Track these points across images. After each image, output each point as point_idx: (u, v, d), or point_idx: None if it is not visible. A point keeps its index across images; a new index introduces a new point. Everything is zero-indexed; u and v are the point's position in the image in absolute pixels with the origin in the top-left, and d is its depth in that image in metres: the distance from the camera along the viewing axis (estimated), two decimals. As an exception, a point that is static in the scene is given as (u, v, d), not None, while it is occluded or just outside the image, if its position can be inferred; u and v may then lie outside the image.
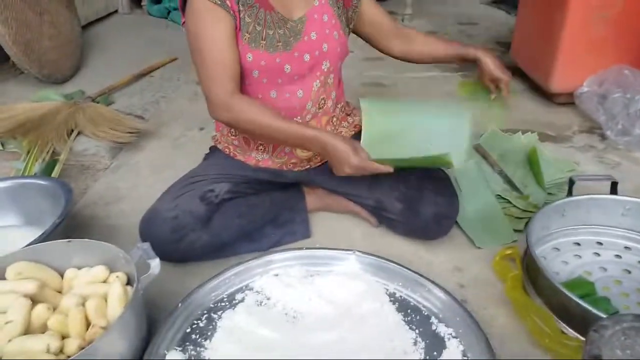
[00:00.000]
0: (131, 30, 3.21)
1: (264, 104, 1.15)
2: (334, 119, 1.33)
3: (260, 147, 1.29)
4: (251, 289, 1.13)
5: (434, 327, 1.03)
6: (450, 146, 1.12)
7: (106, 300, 0.96)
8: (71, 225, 1.30)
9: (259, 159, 1.30)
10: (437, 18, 3.35)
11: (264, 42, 1.14)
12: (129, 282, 1.00)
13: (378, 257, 1.17)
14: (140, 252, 1.01)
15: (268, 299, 1.10)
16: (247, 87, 1.20)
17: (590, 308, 0.93)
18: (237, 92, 1.12)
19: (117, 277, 0.99)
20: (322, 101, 1.26)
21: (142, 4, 3.54)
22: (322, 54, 1.20)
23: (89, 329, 0.91)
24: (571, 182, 1.25)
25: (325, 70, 1.23)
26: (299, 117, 1.23)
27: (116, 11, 3.50)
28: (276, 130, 1.10)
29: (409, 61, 1.38)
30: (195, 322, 1.04)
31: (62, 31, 2.44)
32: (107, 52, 2.79)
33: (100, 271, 1.01)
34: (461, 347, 0.97)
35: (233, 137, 1.31)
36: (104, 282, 1.01)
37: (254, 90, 1.20)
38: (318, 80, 1.23)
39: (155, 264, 0.99)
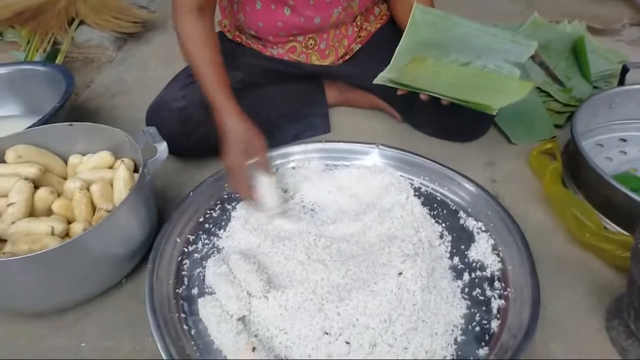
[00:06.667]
0: None
1: (215, 41, 0.97)
2: (358, 18, 1.17)
3: (272, 39, 1.14)
4: (267, 180, 1.06)
5: (462, 221, 0.96)
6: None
7: (112, 186, 0.90)
8: (75, 116, 1.22)
9: (272, 52, 1.17)
10: None
11: None
12: (136, 169, 0.94)
13: (402, 150, 1.08)
14: (147, 137, 0.93)
15: (285, 191, 1.03)
16: None
17: (641, 200, 0.84)
18: (195, 10, 0.94)
19: (122, 162, 0.92)
20: (342, 24, 1.12)
21: None
22: None
23: (95, 213, 0.86)
24: (624, 70, 1.11)
25: None
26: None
27: None
28: (199, 76, 0.95)
29: None
30: (209, 211, 0.98)
31: None
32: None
33: (105, 156, 0.95)
34: (492, 241, 0.90)
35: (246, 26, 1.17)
36: (110, 168, 0.95)
37: (264, 2, 1.04)
38: (340, 7, 1.06)
39: (163, 147, 0.92)
